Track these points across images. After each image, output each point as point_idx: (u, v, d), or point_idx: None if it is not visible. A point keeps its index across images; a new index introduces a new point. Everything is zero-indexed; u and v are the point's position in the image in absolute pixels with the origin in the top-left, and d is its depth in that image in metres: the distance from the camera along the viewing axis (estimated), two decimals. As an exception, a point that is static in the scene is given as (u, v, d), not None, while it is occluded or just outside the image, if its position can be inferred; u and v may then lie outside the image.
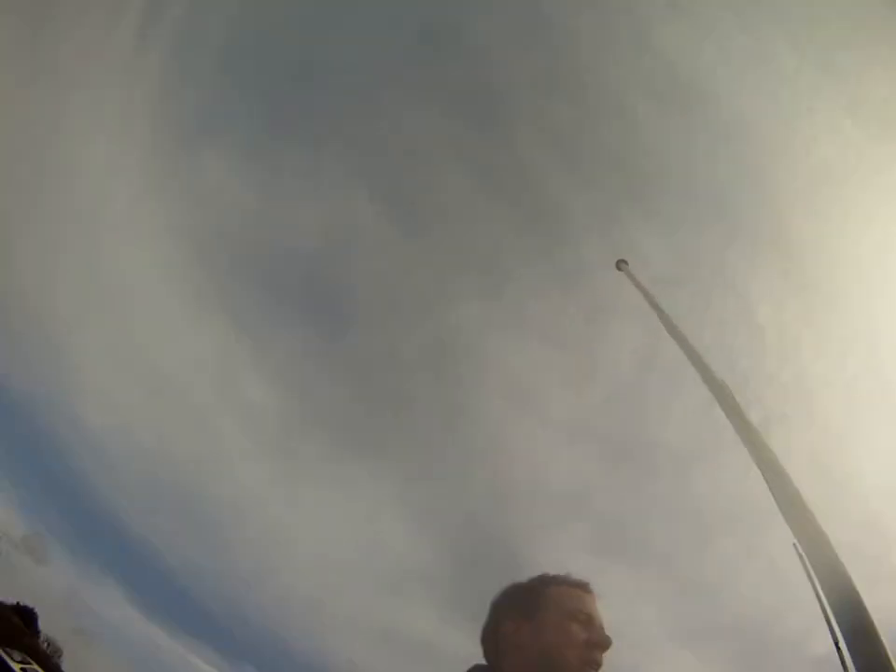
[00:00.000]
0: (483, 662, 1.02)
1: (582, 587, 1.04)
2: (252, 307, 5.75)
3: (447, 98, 5.52)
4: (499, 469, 4.88)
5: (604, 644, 0.97)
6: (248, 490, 5.18)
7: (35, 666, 5.12)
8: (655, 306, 2.65)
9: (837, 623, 1.26)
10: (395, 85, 5.47)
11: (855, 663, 1.18)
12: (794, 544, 1.47)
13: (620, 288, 5.19)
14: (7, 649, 5.01)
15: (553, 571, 1.04)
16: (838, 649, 1.22)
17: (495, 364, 5.09)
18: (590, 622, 0.99)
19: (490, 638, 1.02)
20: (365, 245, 5.75)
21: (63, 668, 5.65)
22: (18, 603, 5.73)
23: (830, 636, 1.25)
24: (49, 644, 5.73)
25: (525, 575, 1.07)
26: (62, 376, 5.39)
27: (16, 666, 4.87)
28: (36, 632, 5.72)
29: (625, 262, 3.54)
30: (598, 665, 0.96)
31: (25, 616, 5.69)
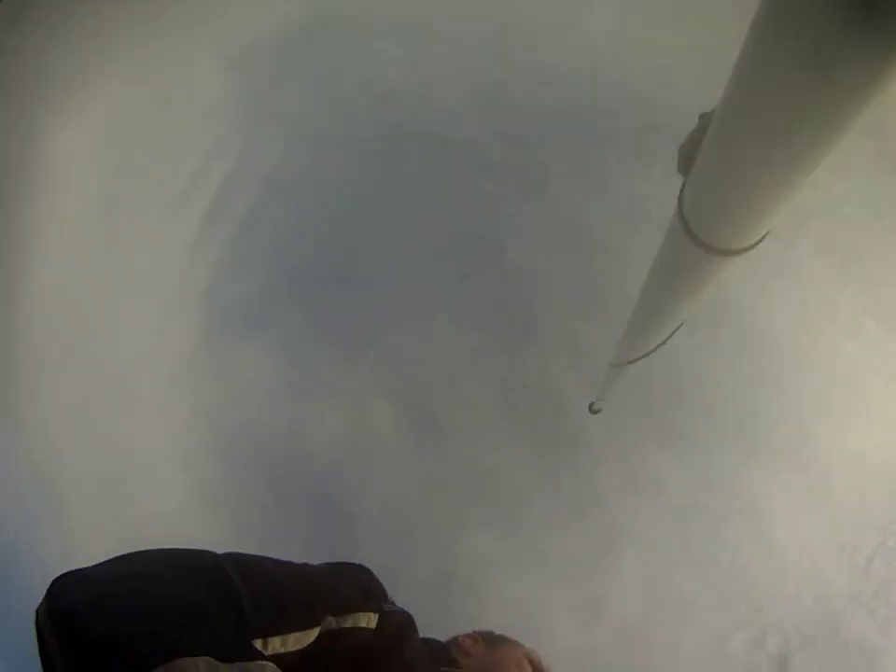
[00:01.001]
0: None
1: None
2: (257, 510, 5.62)
3: (482, 316, 5.92)
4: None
5: None
6: None
7: None
8: None
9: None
10: (432, 301, 5.94)
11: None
12: None
13: (635, 515, 5.75)
14: None
15: None
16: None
17: (500, 598, 5.17)
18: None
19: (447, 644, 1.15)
20: (382, 460, 5.93)
21: None
22: None
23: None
24: None
25: None
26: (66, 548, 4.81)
27: None
28: None
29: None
30: None
31: None
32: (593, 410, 4.34)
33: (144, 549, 0.75)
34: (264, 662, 0.63)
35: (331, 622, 0.81)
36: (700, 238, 1.17)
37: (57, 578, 0.70)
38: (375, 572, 0.94)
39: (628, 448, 5.64)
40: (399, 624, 0.91)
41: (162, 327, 6.36)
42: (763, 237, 1.15)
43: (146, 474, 6.14)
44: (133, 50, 5.97)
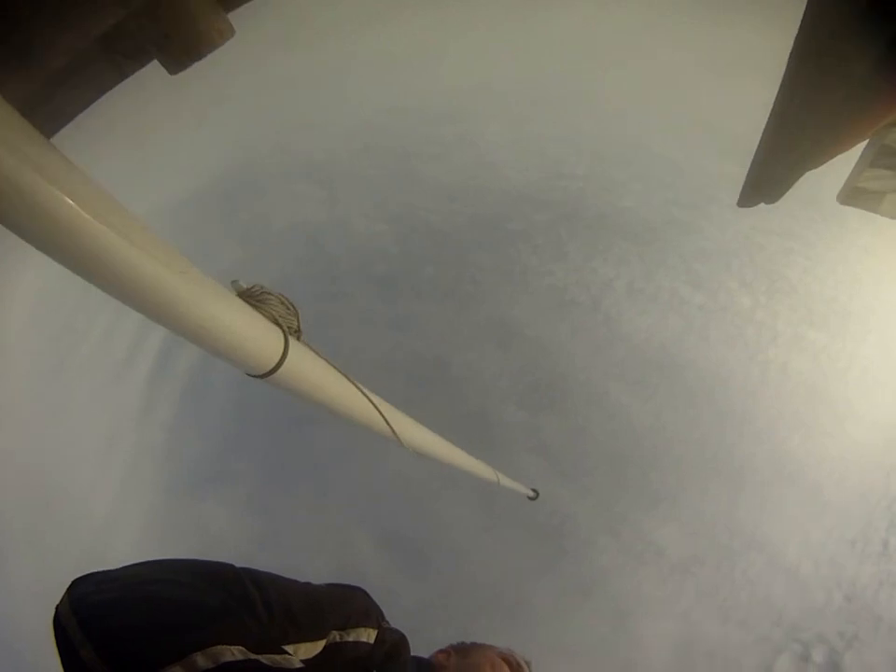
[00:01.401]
0: None
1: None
2: None
3: (441, 432, 6.07)
4: None
5: None
6: None
7: None
8: None
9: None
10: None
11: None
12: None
13: (640, 584, 5.62)
14: None
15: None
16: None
17: None
18: (518, 666, 1.14)
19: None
20: (373, 591, 5.69)
21: None
22: None
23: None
24: None
25: None
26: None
27: None
28: None
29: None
30: None
31: None
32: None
33: (160, 559, 0.77)
34: (290, 656, 0.67)
35: (335, 635, 0.85)
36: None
37: (78, 578, 0.72)
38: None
39: (616, 523, 5.61)
40: (394, 641, 0.95)
41: (124, 490, 6.17)
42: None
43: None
44: None
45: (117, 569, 0.75)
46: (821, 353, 5.40)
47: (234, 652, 0.61)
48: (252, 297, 0.69)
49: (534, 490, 3.49)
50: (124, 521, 6.05)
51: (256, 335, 0.67)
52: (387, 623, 0.98)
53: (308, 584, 0.89)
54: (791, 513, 5.30)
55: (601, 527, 5.60)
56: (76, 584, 0.71)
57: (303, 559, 5.74)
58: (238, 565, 0.80)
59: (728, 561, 5.31)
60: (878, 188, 1.37)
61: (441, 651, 1.18)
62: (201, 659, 0.58)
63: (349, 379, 0.90)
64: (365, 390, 0.96)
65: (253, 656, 0.62)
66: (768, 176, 1.14)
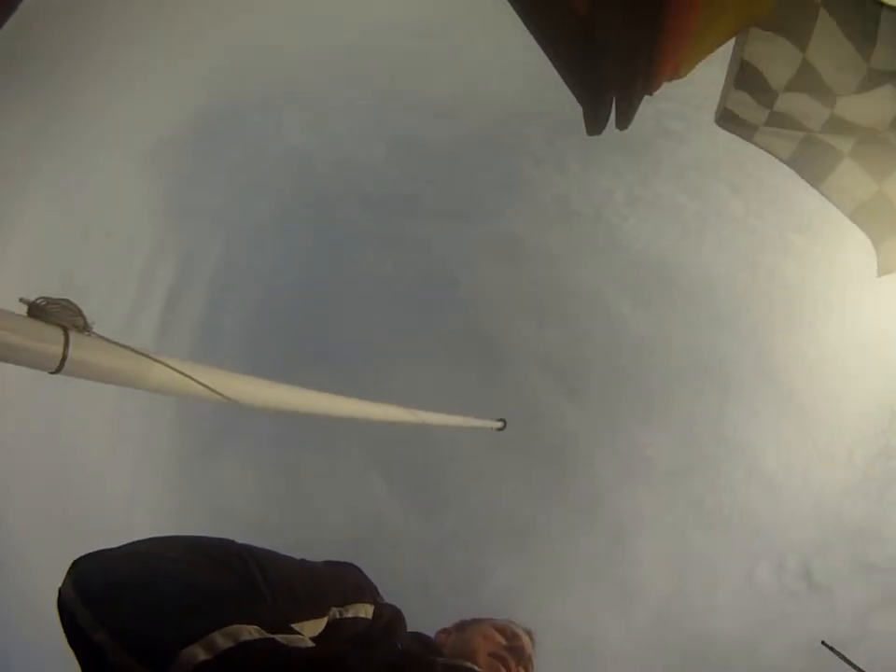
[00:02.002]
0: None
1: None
2: None
3: (451, 355, 5.93)
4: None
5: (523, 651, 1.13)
6: None
7: None
8: None
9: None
10: (407, 356, 5.86)
11: None
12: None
13: (636, 499, 5.64)
14: None
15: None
16: None
17: (537, 618, 5.27)
18: (513, 635, 1.17)
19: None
20: (391, 532, 5.92)
21: None
22: None
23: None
24: None
25: None
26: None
27: None
28: None
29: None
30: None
31: None
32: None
33: (159, 536, 0.78)
34: (301, 635, 0.67)
35: (335, 612, 0.87)
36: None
37: (80, 558, 0.72)
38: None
39: (616, 438, 5.82)
40: (391, 615, 0.98)
41: (139, 452, 6.34)
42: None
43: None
44: (52, 169, 6.05)
45: (118, 548, 0.75)
46: (805, 255, 5.46)
47: (251, 631, 0.61)
48: (37, 308, 0.81)
49: (501, 420, 3.49)
50: (138, 490, 6.29)
51: (35, 340, 0.79)
52: (382, 598, 1.00)
53: (304, 562, 0.90)
54: (770, 417, 5.54)
55: (602, 442, 5.81)
56: (77, 565, 0.71)
57: (323, 509, 6.01)
58: (240, 540, 0.82)
59: (714, 469, 5.62)
60: (749, 118, 1.41)
61: (442, 631, 1.21)
62: (220, 638, 0.58)
63: (148, 355, 0.95)
64: (171, 362, 1.01)
65: (269, 635, 0.62)
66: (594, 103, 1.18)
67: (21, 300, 0.82)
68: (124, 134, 6.16)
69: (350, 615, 0.90)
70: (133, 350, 0.92)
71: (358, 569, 1.00)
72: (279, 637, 0.62)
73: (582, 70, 1.03)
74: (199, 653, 0.57)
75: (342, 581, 0.93)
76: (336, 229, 6.18)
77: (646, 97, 1.20)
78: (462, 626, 1.20)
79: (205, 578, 0.71)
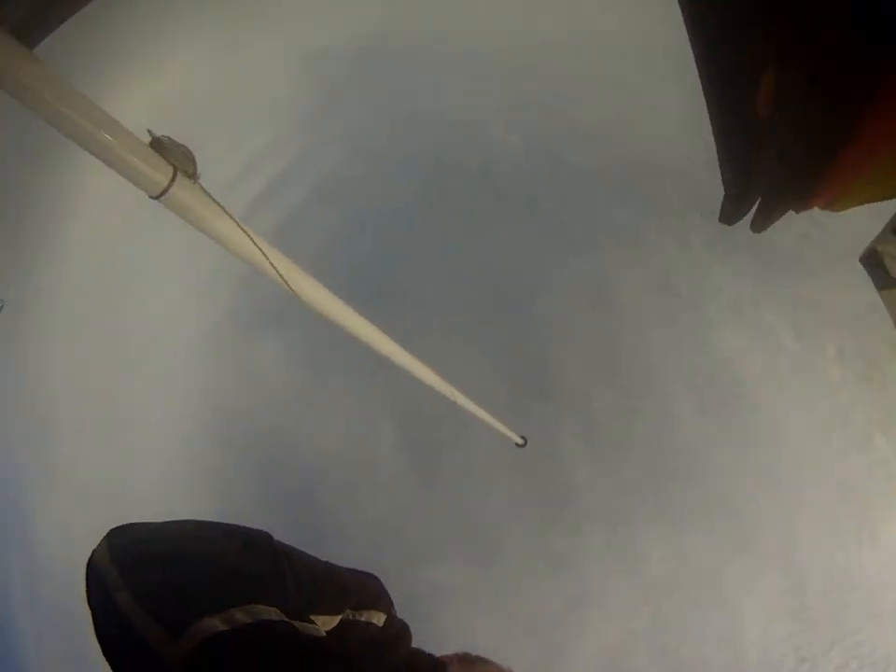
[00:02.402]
0: None
1: None
2: (241, 499, 6.02)
3: (500, 359, 5.98)
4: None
5: None
6: None
7: None
8: None
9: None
10: (458, 336, 5.93)
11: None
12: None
13: (609, 580, 5.52)
14: None
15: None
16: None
17: (458, 629, 5.27)
18: None
19: None
20: (373, 475, 6.10)
21: None
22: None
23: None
24: None
25: None
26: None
27: None
28: None
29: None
30: None
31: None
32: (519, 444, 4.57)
33: (198, 519, 0.81)
34: (318, 626, 0.69)
35: (349, 613, 0.91)
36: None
37: (117, 527, 0.75)
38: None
39: (615, 517, 5.66)
40: (400, 628, 1.02)
41: (190, 307, 6.77)
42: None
43: (142, 438, 6.54)
44: (212, 37, 6.36)
45: (156, 524, 0.78)
46: (880, 464, 5.04)
47: (272, 613, 0.63)
48: (159, 142, 0.96)
49: (523, 438, 3.49)
50: (177, 338, 6.79)
51: (148, 165, 0.94)
52: (395, 611, 1.04)
53: (329, 564, 0.93)
54: (769, 599, 5.23)
55: (601, 515, 5.66)
56: (115, 533, 0.73)
57: (330, 422, 6.17)
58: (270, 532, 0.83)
59: (693, 607, 5.35)
60: (892, 269, 1.34)
61: (444, 657, 1.19)
62: (240, 614, 0.60)
63: (234, 220, 1.09)
64: (253, 234, 1.15)
65: (287, 619, 0.64)
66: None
67: (148, 130, 0.96)
68: (292, 34, 6.40)
69: (363, 619, 0.94)
70: (227, 212, 1.08)
71: (378, 581, 1.03)
72: (297, 624, 0.65)
73: (741, 163, 0.99)
74: (217, 624, 0.59)
75: (362, 588, 0.96)
76: (447, 196, 6.22)
77: (792, 214, 1.13)
78: (466, 661, 1.19)
79: (235, 560, 0.73)
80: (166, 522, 0.78)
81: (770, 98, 0.82)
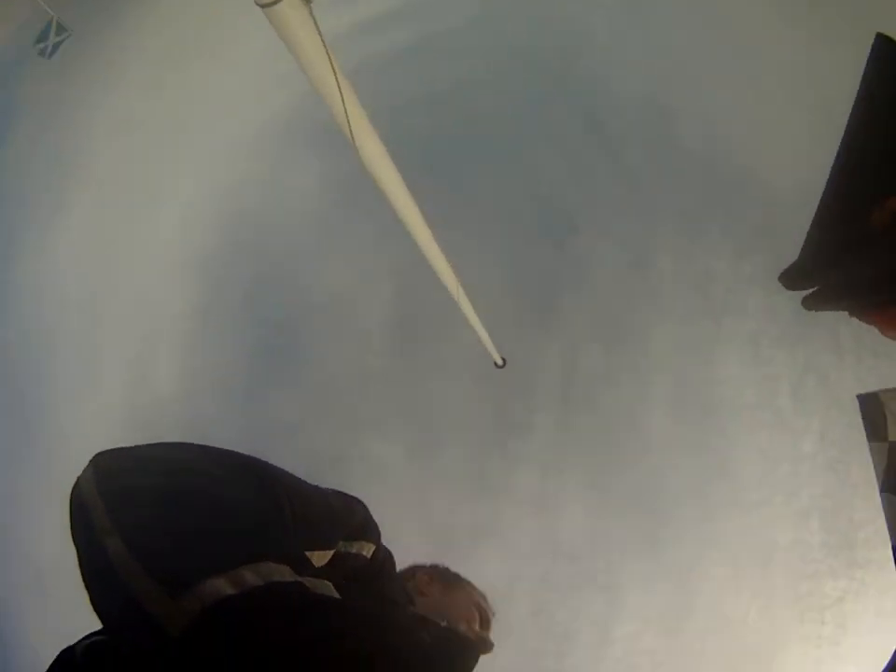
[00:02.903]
0: None
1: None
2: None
3: (514, 276, 6.01)
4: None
5: (488, 644, 1.11)
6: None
7: None
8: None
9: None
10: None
11: None
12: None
13: (517, 523, 5.88)
14: None
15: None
16: None
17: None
18: (487, 622, 1.16)
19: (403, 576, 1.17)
20: (360, 333, 6.21)
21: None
22: None
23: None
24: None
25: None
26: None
27: None
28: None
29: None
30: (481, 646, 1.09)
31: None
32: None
33: (187, 441, 0.74)
34: (324, 580, 0.63)
35: (341, 545, 0.87)
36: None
37: (104, 451, 0.68)
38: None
39: (552, 468, 5.86)
40: (385, 557, 0.98)
41: (247, 107, 6.52)
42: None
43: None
44: None
45: (145, 446, 0.71)
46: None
47: (283, 573, 0.57)
48: None
49: (504, 360, 3.53)
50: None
51: None
52: (381, 540, 1.01)
53: (317, 488, 0.87)
54: None
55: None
56: (100, 458, 0.67)
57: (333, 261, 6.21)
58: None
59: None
60: None
61: (424, 573, 1.18)
62: (250, 575, 0.54)
63: (332, 60, 1.07)
64: (342, 81, 1.12)
65: (298, 578, 0.59)
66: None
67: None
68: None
69: (354, 550, 0.90)
70: (327, 50, 1.06)
71: (365, 507, 0.98)
72: (307, 581, 0.59)
73: (826, 251, 0.98)
74: (225, 587, 0.52)
75: (351, 516, 0.92)
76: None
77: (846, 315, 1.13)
78: (447, 580, 1.19)
79: (238, 499, 0.67)
80: (154, 445, 0.72)
81: (888, 219, 0.82)
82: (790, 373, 5.41)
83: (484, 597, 1.21)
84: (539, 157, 5.97)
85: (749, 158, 5.10)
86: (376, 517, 0.97)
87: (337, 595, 0.63)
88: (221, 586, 0.52)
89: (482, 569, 5.56)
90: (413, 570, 1.19)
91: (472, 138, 6.18)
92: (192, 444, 0.74)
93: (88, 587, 0.58)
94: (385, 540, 0.98)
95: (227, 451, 0.75)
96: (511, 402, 5.89)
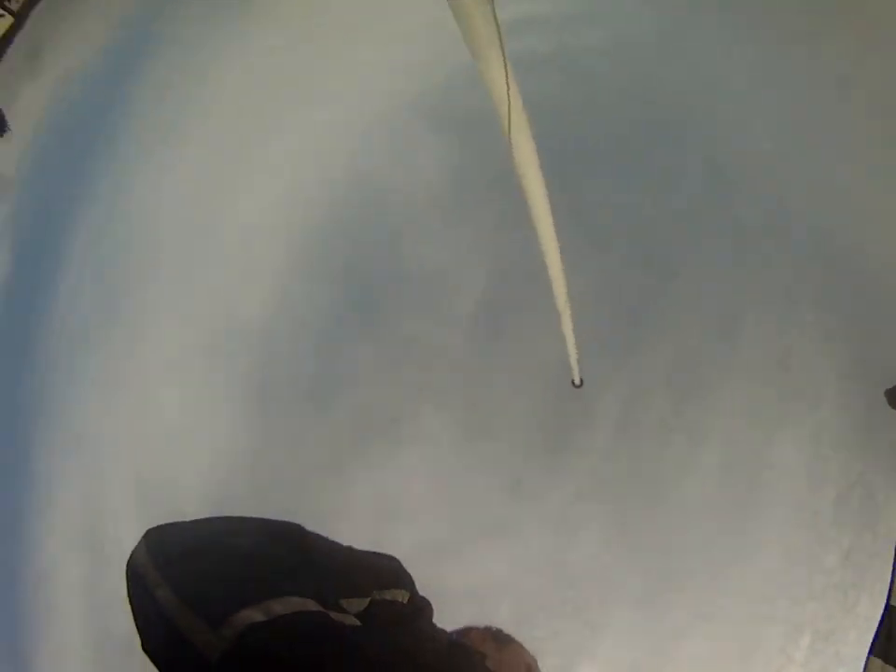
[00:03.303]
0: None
1: None
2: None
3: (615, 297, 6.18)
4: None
5: None
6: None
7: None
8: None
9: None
10: None
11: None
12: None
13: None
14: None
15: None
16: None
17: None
18: None
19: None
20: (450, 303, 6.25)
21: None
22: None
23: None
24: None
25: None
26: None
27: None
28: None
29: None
30: None
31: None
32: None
33: (230, 515, 0.85)
34: (351, 616, 0.73)
35: (376, 593, 0.93)
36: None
37: (153, 528, 0.78)
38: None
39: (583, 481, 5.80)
40: (421, 603, 1.04)
41: (382, 80, 6.76)
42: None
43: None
44: None
45: (190, 522, 0.82)
46: None
47: (307, 604, 0.67)
48: None
49: (581, 381, 3.54)
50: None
51: None
52: (416, 589, 1.07)
53: (352, 548, 0.97)
54: None
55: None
56: (151, 533, 0.77)
57: None
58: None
59: None
60: None
61: (478, 631, 1.24)
62: (278, 606, 0.63)
63: (504, 54, 1.10)
64: (511, 76, 1.14)
65: (323, 609, 0.68)
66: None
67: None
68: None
69: (388, 598, 0.96)
70: (502, 45, 1.14)
71: (398, 561, 1.06)
72: (332, 613, 0.69)
73: None
74: (255, 615, 0.62)
75: (384, 567, 1.01)
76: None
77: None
78: (500, 640, 1.25)
79: (268, 553, 0.78)
80: (199, 519, 0.83)
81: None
82: (840, 480, 5.16)
83: (535, 660, 1.27)
84: (655, 191, 5.91)
85: (863, 247, 4.94)
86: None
87: (359, 624, 0.73)
88: (252, 615, 0.62)
89: (483, 564, 5.54)
90: (467, 629, 1.26)
91: (590, 155, 6.17)
92: (231, 517, 0.86)
93: (140, 632, 0.70)
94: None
95: (265, 520, 0.87)
96: (570, 421, 5.82)
